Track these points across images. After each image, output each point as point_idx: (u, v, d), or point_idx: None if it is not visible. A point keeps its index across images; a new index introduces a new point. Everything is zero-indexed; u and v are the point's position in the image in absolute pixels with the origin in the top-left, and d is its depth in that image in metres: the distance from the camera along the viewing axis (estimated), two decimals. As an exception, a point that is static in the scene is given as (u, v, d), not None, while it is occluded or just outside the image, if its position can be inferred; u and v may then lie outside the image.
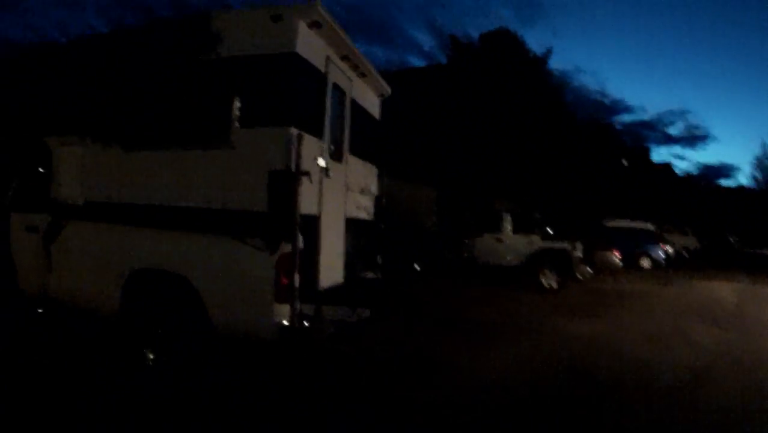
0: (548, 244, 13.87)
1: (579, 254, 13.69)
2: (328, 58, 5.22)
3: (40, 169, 5.99)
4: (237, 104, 4.55)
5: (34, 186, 6.06)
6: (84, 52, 5.86)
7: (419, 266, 14.61)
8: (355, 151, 6.26)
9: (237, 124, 4.56)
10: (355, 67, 6.02)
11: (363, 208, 6.63)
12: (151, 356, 5.01)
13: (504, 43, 28.77)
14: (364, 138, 6.56)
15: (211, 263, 4.65)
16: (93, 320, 5.57)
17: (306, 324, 4.55)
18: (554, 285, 13.44)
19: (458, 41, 30.36)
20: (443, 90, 26.99)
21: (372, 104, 6.96)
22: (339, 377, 5.65)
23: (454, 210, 18.59)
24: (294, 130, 4.36)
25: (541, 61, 30.00)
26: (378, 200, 7.07)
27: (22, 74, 6.76)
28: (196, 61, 4.84)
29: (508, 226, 14.56)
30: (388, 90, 7.17)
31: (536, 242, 14.02)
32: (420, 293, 11.70)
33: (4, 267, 6.12)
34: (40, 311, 6.06)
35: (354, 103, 6.13)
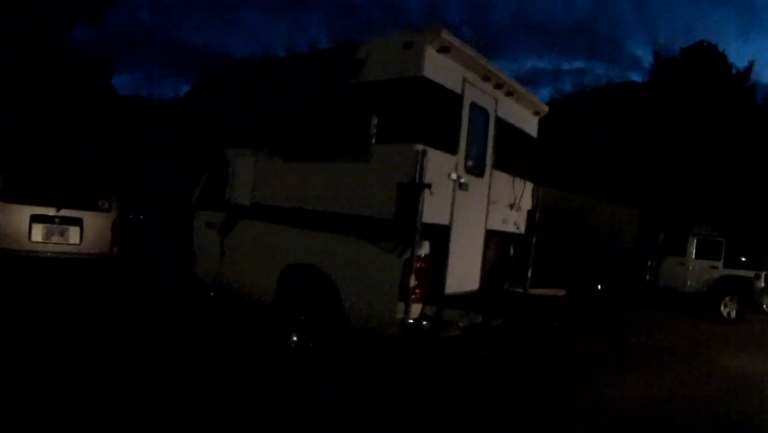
0: (731, 271, 13.15)
1: (763, 283, 12.72)
2: (464, 80, 5.62)
3: (219, 175, 7.09)
4: (374, 123, 5.13)
5: (214, 189, 7.17)
6: (255, 77, 6.90)
7: (601, 286, 14.69)
8: (506, 168, 6.56)
9: (374, 141, 5.14)
10: (499, 87, 6.28)
11: (512, 222, 6.89)
12: (295, 339, 5.79)
13: (705, 58, 27.21)
14: (518, 155, 6.85)
15: (348, 262, 5.29)
16: (253, 305, 6.50)
17: (425, 323, 5.00)
18: (733, 315, 12.75)
19: (660, 56, 29.25)
20: (646, 107, 26.49)
21: (525, 122, 7.13)
22: (468, 378, 6.03)
23: (651, 232, 18.06)
24: (420, 147, 4.81)
25: (743, 76, 27.65)
26: (531, 215, 7.26)
27: (208, 95, 8.02)
28: (343, 84, 5.55)
29: (692, 250, 13.95)
30: (545, 108, 7.33)
31: (720, 268, 13.35)
32: (589, 312, 11.65)
33: (186, 256, 7.33)
34: (211, 294, 7.16)
35: (501, 121, 6.39)
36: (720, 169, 24.26)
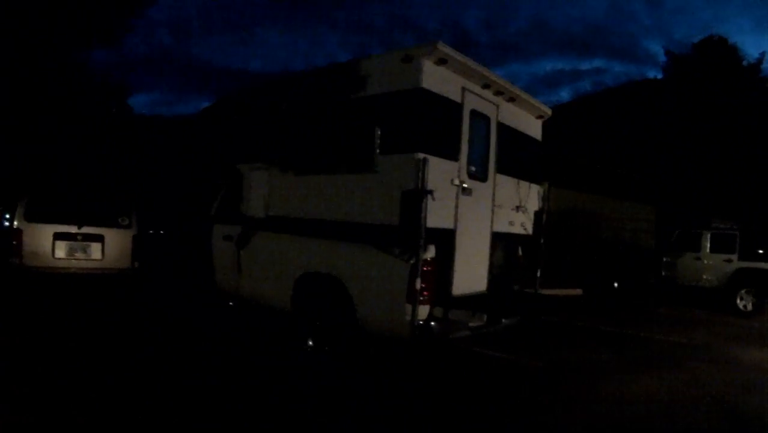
0: (747, 264, 13.25)
1: None
2: (464, 89, 5.83)
3: (235, 190, 7.39)
4: (378, 135, 5.38)
5: (231, 203, 7.47)
6: (265, 95, 7.21)
7: (618, 284, 14.84)
8: (511, 171, 6.74)
9: (378, 152, 5.39)
10: (500, 94, 6.46)
11: (519, 223, 7.04)
12: (311, 343, 6.06)
13: (716, 52, 27.17)
14: (523, 158, 7.04)
15: (359, 268, 5.57)
16: (271, 313, 6.78)
17: (434, 324, 5.22)
18: (750, 308, 12.90)
19: (672, 53, 29.20)
20: (662, 104, 26.73)
21: (529, 126, 7.27)
22: (472, 376, 6.25)
23: (668, 229, 18.17)
24: (421, 155, 5.04)
25: (755, 68, 27.48)
26: (539, 216, 7.40)
27: (222, 115, 8.37)
28: (348, 99, 5.81)
29: (707, 244, 14.07)
30: (548, 111, 7.44)
31: (735, 261, 13.46)
32: (608, 310, 11.87)
33: (206, 269, 7.63)
34: (231, 304, 7.46)
35: (503, 126, 6.56)
36: (735, 162, 24.17)
